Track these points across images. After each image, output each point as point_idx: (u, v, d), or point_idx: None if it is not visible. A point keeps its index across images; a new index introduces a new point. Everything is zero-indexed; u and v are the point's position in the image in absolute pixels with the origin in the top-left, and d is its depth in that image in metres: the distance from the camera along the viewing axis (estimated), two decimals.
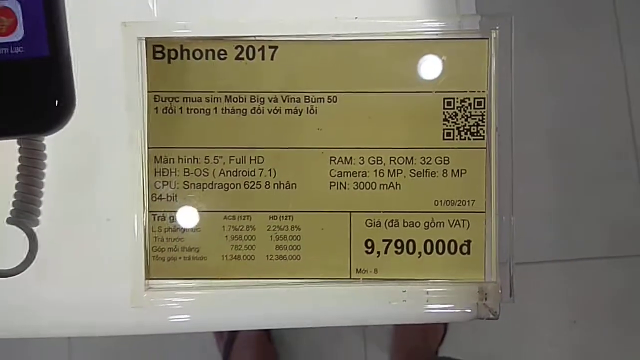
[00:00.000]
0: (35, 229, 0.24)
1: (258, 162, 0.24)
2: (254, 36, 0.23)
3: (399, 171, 0.24)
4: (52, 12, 0.20)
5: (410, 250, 0.24)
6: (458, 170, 0.24)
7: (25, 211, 0.24)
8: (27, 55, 0.20)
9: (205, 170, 0.24)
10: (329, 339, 0.81)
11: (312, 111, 0.24)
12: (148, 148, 0.24)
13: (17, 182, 0.23)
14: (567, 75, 0.88)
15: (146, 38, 0.23)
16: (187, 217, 0.24)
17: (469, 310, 0.24)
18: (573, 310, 0.85)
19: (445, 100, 0.23)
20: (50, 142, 0.23)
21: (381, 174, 0.24)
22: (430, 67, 0.23)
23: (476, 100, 0.23)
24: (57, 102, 0.20)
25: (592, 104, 0.88)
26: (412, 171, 0.24)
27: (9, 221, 0.23)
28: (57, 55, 0.20)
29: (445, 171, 0.24)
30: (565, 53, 0.88)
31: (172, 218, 0.24)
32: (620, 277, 0.86)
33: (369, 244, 0.24)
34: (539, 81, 0.88)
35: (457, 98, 0.23)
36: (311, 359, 0.81)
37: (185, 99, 0.24)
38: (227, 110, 0.24)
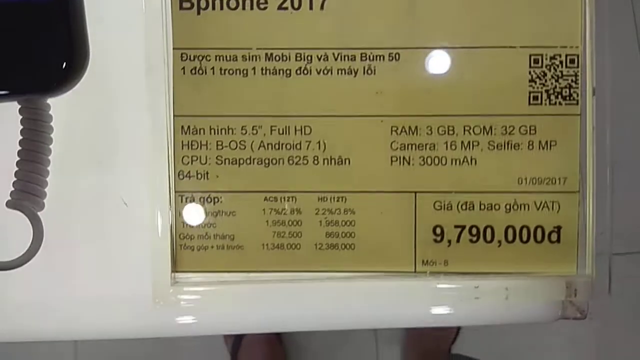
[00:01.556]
0: (40, 213, 0.20)
1: (305, 133, 0.20)
2: None
3: (475, 143, 0.20)
4: None
5: (488, 239, 0.20)
6: (547, 142, 0.20)
7: (28, 192, 0.21)
8: None
9: (242, 142, 0.20)
10: (340, 339, 0.79)
11: (369, 71, 0.20)
12: (174, 116, 0.20)
13: (18, 159, 0.20)
14: None
15: None
16: (221, 198, 0.21)
17: (554, 310, 0.21)
18: (592, 306, 0.86)
19: (532, 58, 0.20)
20: (57, 111, 0.20)
21: (453, 147, 0.20)
22: (512, 16, 0.20)
23: (568, 57, 0.20)
24: (64, 55, 0.17)
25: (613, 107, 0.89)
26: (491, 143, 0.20)
27: (9, 204, 0.20)
28: None
29: (531, 143, 0.20)
30: None
31: (202, 200, 0.21)
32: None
33: (438, 230, 0.20)
34: None
35: (546, 55, 0.20)
36: (321, 359, 0.80)
37: (218, 58, 0.20)
38: (268, 71, 0.20)
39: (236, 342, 0.75)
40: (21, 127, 0.20)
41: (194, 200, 0.20)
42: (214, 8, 0.20)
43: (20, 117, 0.20)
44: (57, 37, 0.17)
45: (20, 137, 0.20)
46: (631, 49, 0.88)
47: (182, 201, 0.20)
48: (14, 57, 0.17)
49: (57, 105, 0.20)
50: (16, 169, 0.21)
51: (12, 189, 0.21)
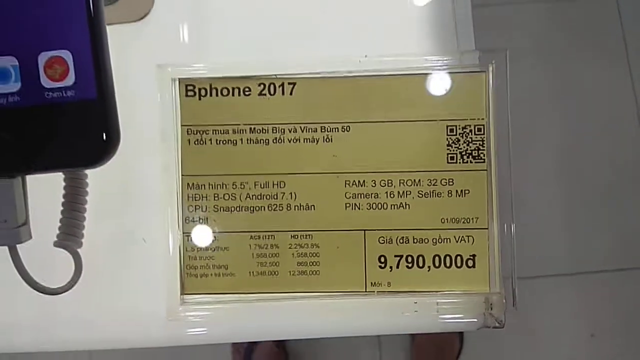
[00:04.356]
0: (79, 250, 0.26)
1: (280, 187, 0.26)
2: (275, 74, 0.26)
3: (408, 192, 0.26)
4: (99, 59, 0.22)
5: (420, 265, 0.26)
6: (462, 191, 0.26)
7: (70, 234, 0.26)
8: (78, 97, 0.22)
9: (233, 194, 0.26)
10: (345, 355, 0.82)
11: (327, 140, 0.26)
12: (182, 176, 0.26)
13: (62, 208, 0.26)
14: (574, 88, 0.88)
15: (179, 78, 0.26)
16: (218, 237, 0.26)
17: (476, 320, 0.26)
18: (591, 324, 0.85)
19: (448, 128, 0.26)
20: (92, 171, 0.26)
21: (392, 196, 0.26)
22: (434, 98, 0.26)
23: (476, 127, 0.26)
24: (104, 139, 0.22)
25: (601, 115, 0.88)
26: (420, 192, 0.26)
27: (55, 244, 0.26)
28: (104, 97, 0.22)
29: (450, 192, 0.26)
30: (572, 65, 0.89)
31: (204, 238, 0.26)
32: (638, 288, 0.85)
33: (382, 259, 0.26)
34: (547, 95, 0.89)
35: (459, 125, 0.26)
36: None
37: (214, 132, 0.26)
38: (251, 141, 0.26)
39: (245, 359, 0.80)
40: (64, 184, 0.26)
41: (197, 239, 0.26)
42: (211, 95, 0.26)
43: (64, 176, 0.26)
44: (99, 125, 0.22)
45: (64, 192, 0.26)
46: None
47: (188, 240, 0.26)
48: (69, 142, 0.22)
49: None
50: (60, 216, 0.26)
51: (58, 232, 0.26)
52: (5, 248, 0.24)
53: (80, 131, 0.22)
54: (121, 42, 0.26)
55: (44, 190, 0.24)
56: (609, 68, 0.89)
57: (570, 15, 0.89)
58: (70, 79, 0.22)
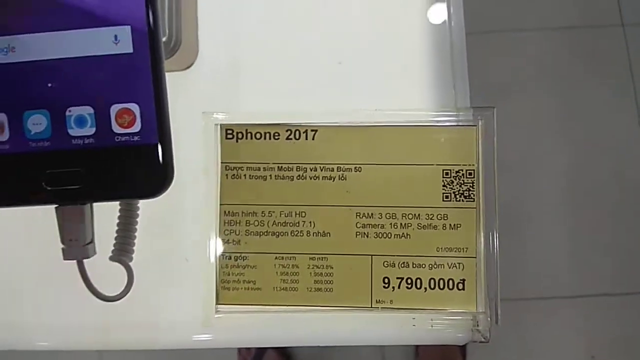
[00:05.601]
0: (130, 264, 0.31)
1: (301, 216, 0.31)
2: (300, 123, 0.31)
3: (409, 224, 0.30)
4: (161, 110, 0.26)
5: (418, 286, 0.30)
6: (454, 225, 0.30)
7: (123, 251, 0.30)
8: (142, 142, 0.25)
9: (262, 221, 0.31)
10: None
11: (342, 178, 0.31)
12: (220, 204, 0.31)
13: (117, 228, 0.30)
14: (581, 112, 0.91)
15: (221, 124, 0.31)
16: (247, 257, 0.31)
17: (465, 335, 0.31)
18: (591, 345, 0.87)
19: (444, 171, 0.30)
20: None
21: (395, 227, 0.30)
22: (433, 146, 0.31)
23: (467, 171, 0.30)
24: (162, 176, 0.26)
25: (606, 138, 0.90)
26: (419, 225, 0.30)
27: (111, 258, 0.30)
28: (164, 142, 0.25)
29: (444, 225, 0.30)
30: (579, 90, 0.91)
31: (236, 258, 0.31)
32: (638, 312, 0.87)
33: (386, 280, 0.30)
34: (554, 118, 0.91)
35: (453, 170, 0.30)
36: None
37: (248, 168, 0.31)
38: (278, 177, 0.31)
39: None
40: (119, 207, 0.31)
41: (230, 258, 0.31)
42: (247, 138, 0.31)
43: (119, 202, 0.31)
44: (158, 164, 0.25)
45: (119, 214, 0.31)
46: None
47: (223, 258, 0.31)
48: (132, 177, 0.25)
49: None
50: (115, 234, 0.31)
51: (113, 248, 0.31)
52: (74, 261, 0.29)
53: (142, 169, 0.25)
54: (170, 87, 0.31)
55: (99, 214, 0.28)
56: (615, 92, 0.91)
57: (578, 42, 0.93)
58: (136, 127, 0.25)
